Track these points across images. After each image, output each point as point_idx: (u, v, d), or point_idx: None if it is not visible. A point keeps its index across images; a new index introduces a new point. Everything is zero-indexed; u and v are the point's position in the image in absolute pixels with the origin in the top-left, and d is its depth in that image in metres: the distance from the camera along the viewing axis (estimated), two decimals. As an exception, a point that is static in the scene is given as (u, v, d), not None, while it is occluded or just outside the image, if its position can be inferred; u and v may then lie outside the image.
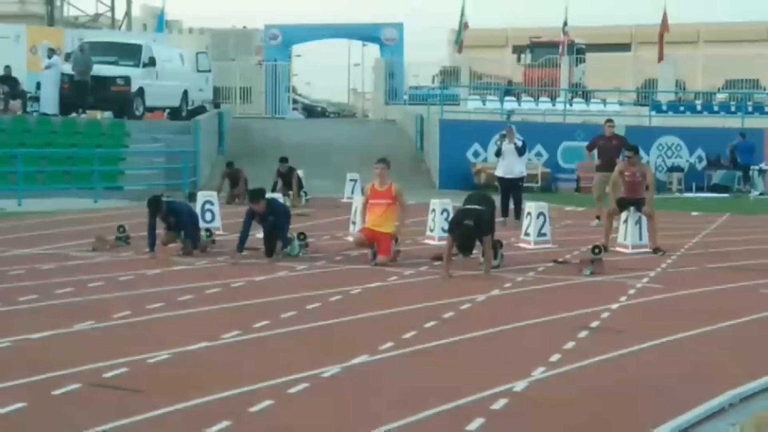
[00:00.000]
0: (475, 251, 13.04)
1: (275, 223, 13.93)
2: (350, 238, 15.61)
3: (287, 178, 23.24)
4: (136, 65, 29.26)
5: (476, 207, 12.88)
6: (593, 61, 48.77)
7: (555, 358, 8.23)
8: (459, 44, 44.80)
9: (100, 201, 23.06)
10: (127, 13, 55.67)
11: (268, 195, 14.74)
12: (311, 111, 52.55)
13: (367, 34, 45.61)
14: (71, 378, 7.30)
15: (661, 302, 11.22)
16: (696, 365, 8.27)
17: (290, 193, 22.55)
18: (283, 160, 23.82)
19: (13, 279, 12.03)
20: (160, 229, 14.35)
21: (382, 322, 9.82)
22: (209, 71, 35.63)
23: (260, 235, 14.94)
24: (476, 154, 29.77)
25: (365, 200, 14.10)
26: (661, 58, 41.05)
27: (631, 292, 11.71)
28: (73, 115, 28.31)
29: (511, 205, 19.24)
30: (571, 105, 36.62)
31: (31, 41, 34.75)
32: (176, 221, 14.30)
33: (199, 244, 14.42)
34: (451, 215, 15.99)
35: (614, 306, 10.76)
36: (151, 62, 29.62)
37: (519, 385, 7.34)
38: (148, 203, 14.10)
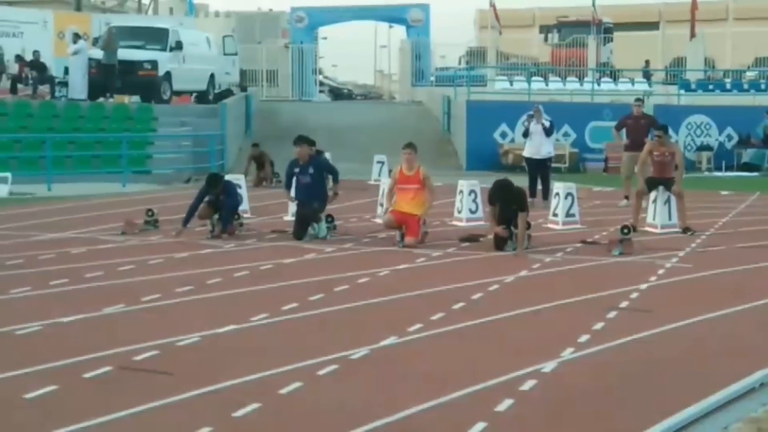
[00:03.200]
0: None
1: (316, 179, 14.24)
2: (378, 220, 15.62)
3: None
4: (163, 49, 29.28)
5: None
6: (621, 40, 48.40)
7: (584, 338, 8.21)
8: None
9: (128, 185, 23.17)
10: (154, -2, 55.82)
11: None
12: (338, 93, 52.49)
13: (393, 15, 45.44)
14: (102, 361, 7.35)
15: (691, 282, 11.17)
16: (726, 345, 8.23)
17: None
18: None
19: (44, 263, 12.12)
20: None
21: (411, 303, 9.83)
22: (236, 54, 35.62)
23: (287, 217, 14.98)
24: (504, 135, 29.65)
25: (392, 184, 14.09)
26: (693, 35, 40.68)
27: (661, 272, 11.65)
28: (101, 99, 28.42)
29: (539, 186, 19.18)
30: (599, 84, 36.36)
31: (58, 26, 34.93)
32: (224, 201, 14.30)
33: (229, 227, 14.44)
34: (480, 197, 16.02)
35: (643, 286, 10.71)
36: (178, 46, 29.64)
37: (548, 366, 7.33)
38: (210, 178, 14.31)
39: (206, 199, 14.26)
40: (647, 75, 40.19)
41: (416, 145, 14.23)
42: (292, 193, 14.46)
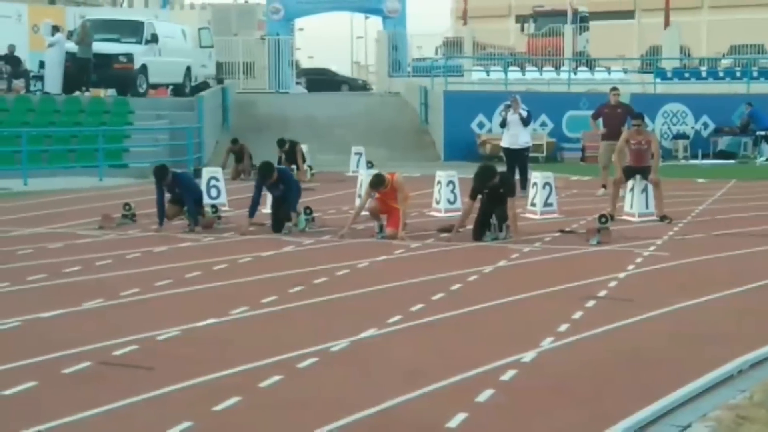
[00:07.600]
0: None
1: (285, 194, 14.05)
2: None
3: (291, 153, 23.01)
4: (139, 42, 29.13)
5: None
6: (597, 29, 48.50)
7: (563, 327, 8.24)
8: None
9: (105, 179, 23.06)
10: (129, -10, 55.48)
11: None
12: (353, 86, 51.61)
13: (369, 6, 45.33)
14: (81, 356, 7.32)
15: (669, 270, 11.22)
16: (704, 333, 8.27)
17: (293, 167, 22.32)
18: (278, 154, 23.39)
19: (22, 258, 12.04)
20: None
21: (390, 295, 9.84)
22: (212, 47, 35.48)
23: (266, 210, 14.95)
24: (481, 125, 29.66)
25: (368, 191, 13.95)
26: (667, 23, 40.81)
27: (639, 260, 11.70)
28: (77, 93, 28.25)
29: (517, 176, 19.18)
30: (575, 74, 36.41)
31: (32, 20, 34.66)
32: (183, 195, 14.28)
33: (201, 220, 14.38)
34: (458, 187, 16.01)
35: (622, 275, 10.76)
36: (154, 39, 29.48)
37: (528, 356, 7.35)
38: (155, 171, 14.16)
39: (167, 197, 14.24)
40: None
41: (384, 179, 13.62)
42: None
